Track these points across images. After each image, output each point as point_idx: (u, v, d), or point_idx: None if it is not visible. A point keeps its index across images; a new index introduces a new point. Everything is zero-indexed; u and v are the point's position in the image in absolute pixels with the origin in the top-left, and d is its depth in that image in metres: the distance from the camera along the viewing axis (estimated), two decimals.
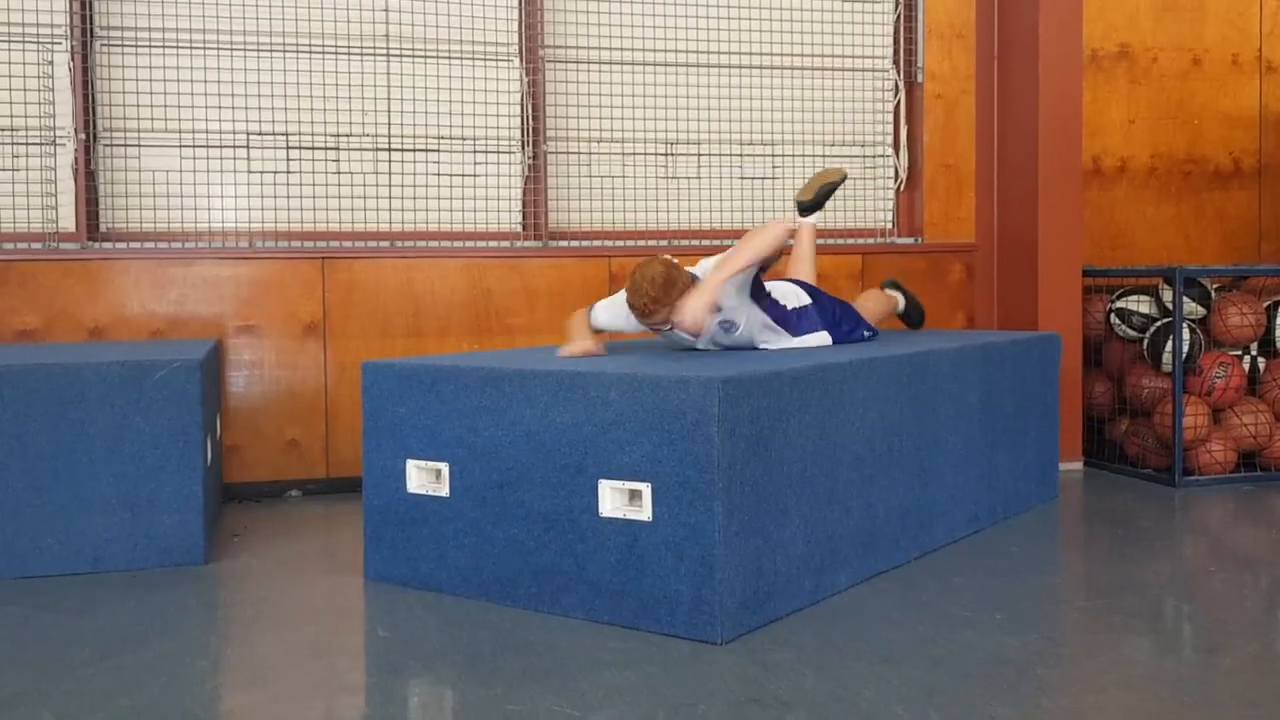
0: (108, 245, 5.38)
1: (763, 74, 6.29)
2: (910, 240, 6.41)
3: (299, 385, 5.51)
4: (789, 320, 4.41)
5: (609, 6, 6.02)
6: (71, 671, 3.15)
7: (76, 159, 5.34)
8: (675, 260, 4.10)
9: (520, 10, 5.91)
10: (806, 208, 5.00)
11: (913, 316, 5.32)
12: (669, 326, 4.11)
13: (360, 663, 3.34)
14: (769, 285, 4.46)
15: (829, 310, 4.58)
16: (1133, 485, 5.62)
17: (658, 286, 3.98)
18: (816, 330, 4.48)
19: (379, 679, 3.16)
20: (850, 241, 6.33)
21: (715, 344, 4.32)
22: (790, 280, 4.65)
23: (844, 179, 5.00)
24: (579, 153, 6.02)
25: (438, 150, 5.81)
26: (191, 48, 5.51)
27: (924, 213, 6.39)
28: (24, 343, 5.19)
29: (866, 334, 4.74)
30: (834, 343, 4.53)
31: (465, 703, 2.96)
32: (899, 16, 6.42)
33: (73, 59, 5.33)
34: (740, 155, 6.28)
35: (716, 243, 6.04)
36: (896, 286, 5.32)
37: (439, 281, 5.67)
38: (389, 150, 5.77)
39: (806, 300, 4.52)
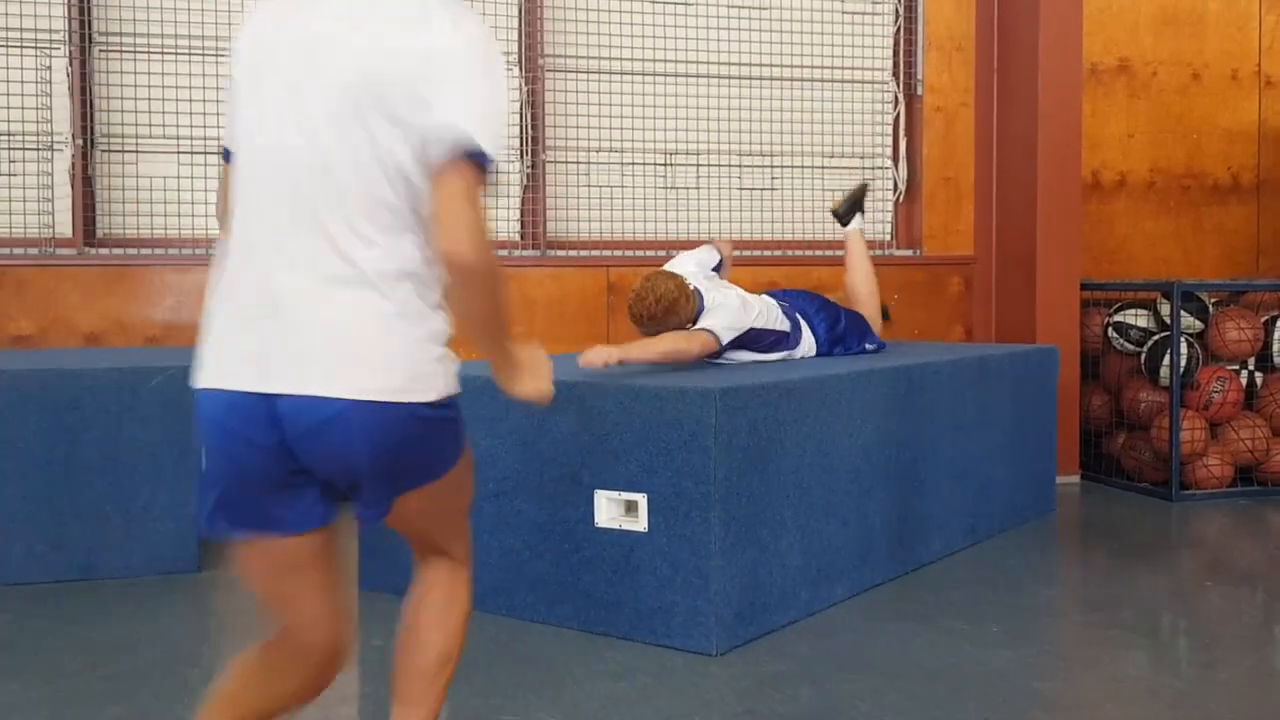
0: (104, 251, 5.37)
1: (762, 85, 6.29)
2: (909, 252, 6.41)
3: None
4: (777, 344, 4.35)
5: (609, 16, 6.02)
6: (64, 679, 3.13)
7: (74, 164, 5.33)
8: (692, 287, 4.06)
9: (520, 19, 5.91)
10: (840, 216, 5.21)
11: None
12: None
13: (354, 673, 3.32)
14: (755, 302, 4.34)
15: (827, 323, 4.56)
16: (1129, 499, 5.61)
17: (661, 306, 3.94)
18: (800, 344, 4.45)
19: (373, 689, 3.14)
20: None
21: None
22: (777, 294, 4.61)
23: (864, 186, 5.32)
24: (578, 162, 6.02)
25: None
26: (190, 54, 5.51)
27: (923, 225, 6.39)
28: (19, 348, 5.18)
29: (870, 347, 4.72)
30: (830, 354, 4.52)
31: (460, 713, 2.95)
32: (899, 29, 6.43)
33: (71, 64, 5.32)
34: (739, 166, 6.28)
35: None
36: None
37: None
38: None
39: (786, 325, 4.41)
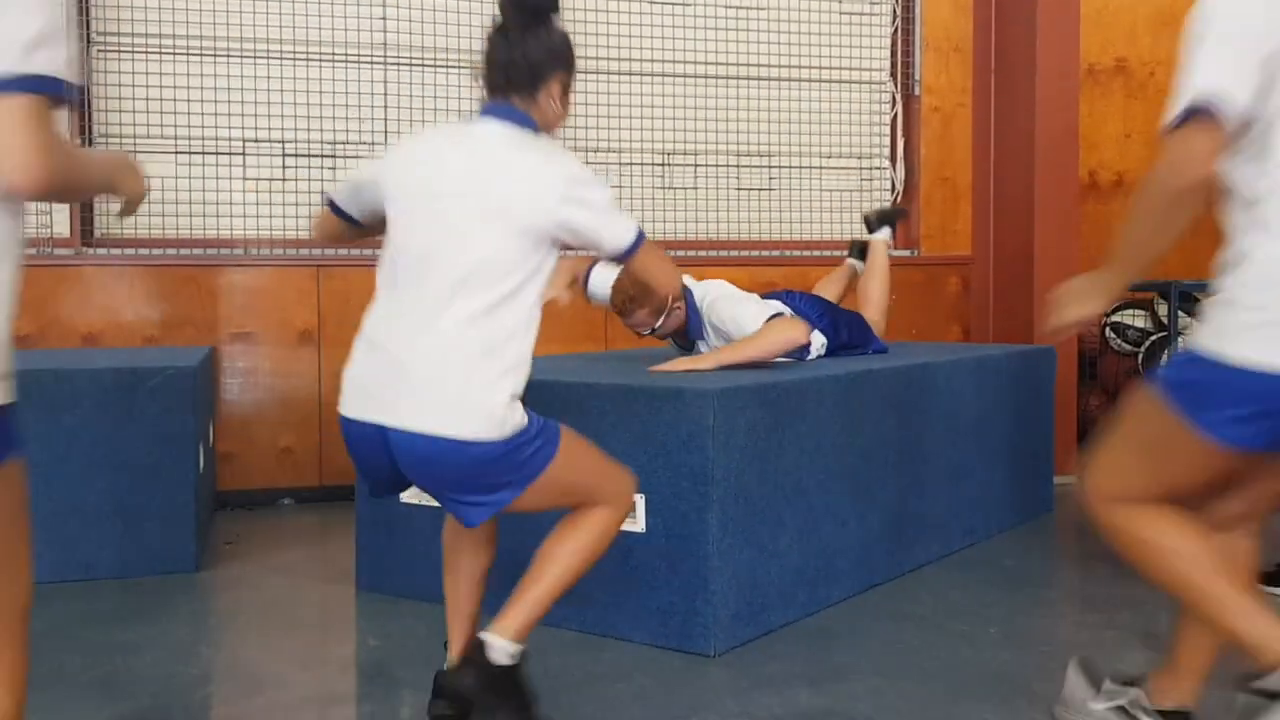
0: (102, 251, 5.37)
1: (760, 85, 6.29)
2: (906, 253, 6.41)
3: (293, 393, 5.50)
4: None
5: (606, 17, 6.02)
6: (61, 681, 3.13)
7: None
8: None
9: None
10: (870, 224, 5.16)
11: (890, 219, 5.25)
12: (654, 330, 4.07)
13: (351, 672, 3.33)
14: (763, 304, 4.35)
15: (830, 327, 4.55)
16: None
17: (637, 286, 3.92)
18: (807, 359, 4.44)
19: (370, 689, 3.14)
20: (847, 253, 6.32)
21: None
22: (778, 295, 4.60)
23: (903, 212, 5.31)
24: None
25: None
26: (189, 54, 5.51)
27: (920, 225, 6.39)
28: (17, 348, 5.15)
29: (872, 350, 4.71)
30: (833, 355, 4.51)
31: None
32: (896, 29, 6.43)
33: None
34: (737, 166, 6.28)
35: (712, 253, 6.05)
36: (882, 220, 5.23)
37: None
38: None
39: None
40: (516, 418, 2.49)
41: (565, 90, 2.66)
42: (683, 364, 3.77)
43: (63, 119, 2.06)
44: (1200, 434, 2.20)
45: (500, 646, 2.57)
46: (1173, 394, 2.25)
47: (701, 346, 4.19)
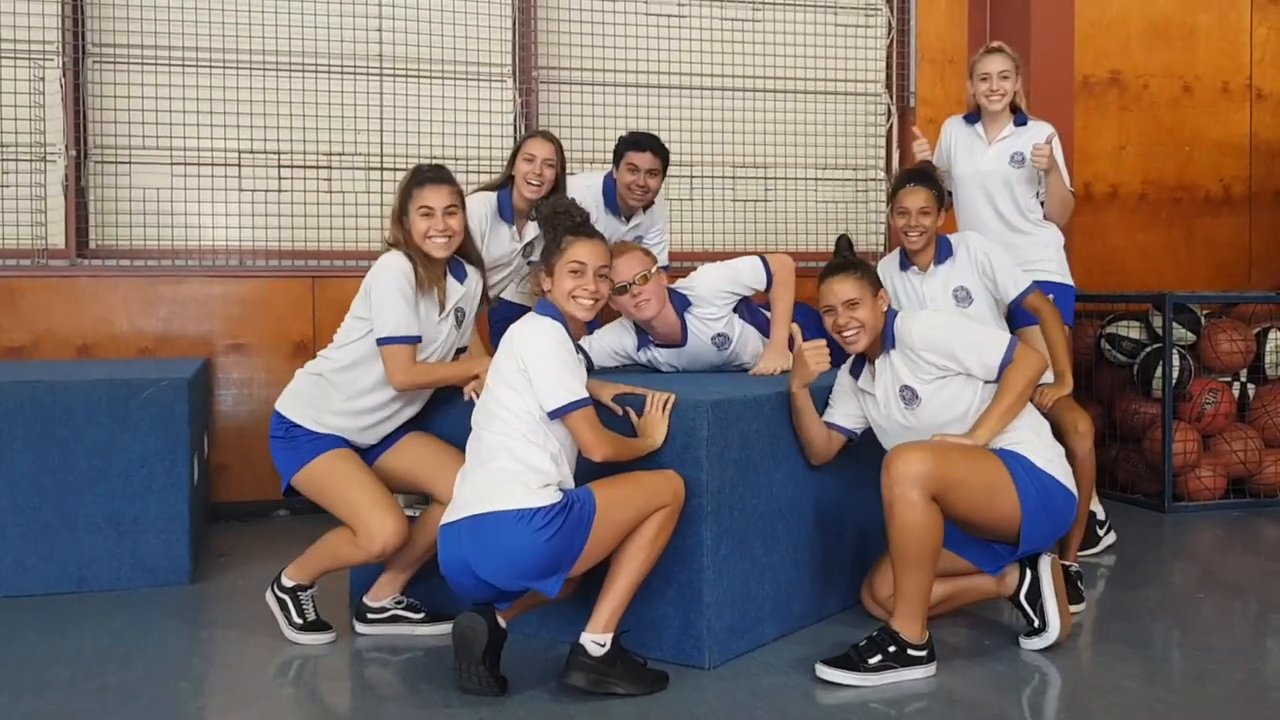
0: (97, 263, 5.37)
1: (756, 97, 6.30)
2: None
3: None
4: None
5: (602, 29, 6.03)
6: (54, 692, 3.12)
7: (67, 176, 5.33)
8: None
9: (513, 31, 5.92)
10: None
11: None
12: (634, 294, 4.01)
13: (345, 685, 3.32)
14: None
15: (814, 335, 4.55)
16: (1122, 511, 5.61)
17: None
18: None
19: (364, 701, 3.14)
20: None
21: (703, 363, 4.28)
22: (766, 306, 4.61)
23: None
24: (572, 173, 6.00)
25: None
26: (184, 65, 5.51)
27: None
28: (11, 360, 5.17)
29: None
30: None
31: None
32: (891, 41, 6.45)
33: (64, 75, 5.32)
34: (733, 177, 6.29)
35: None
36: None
37: None
38: (381, 169, 5.77)
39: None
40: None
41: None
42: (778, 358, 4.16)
43: (413, 352, 3.50)
44: None
45: (591, 640, 3.05)
46: None
47: (699, 325, 4.16)
